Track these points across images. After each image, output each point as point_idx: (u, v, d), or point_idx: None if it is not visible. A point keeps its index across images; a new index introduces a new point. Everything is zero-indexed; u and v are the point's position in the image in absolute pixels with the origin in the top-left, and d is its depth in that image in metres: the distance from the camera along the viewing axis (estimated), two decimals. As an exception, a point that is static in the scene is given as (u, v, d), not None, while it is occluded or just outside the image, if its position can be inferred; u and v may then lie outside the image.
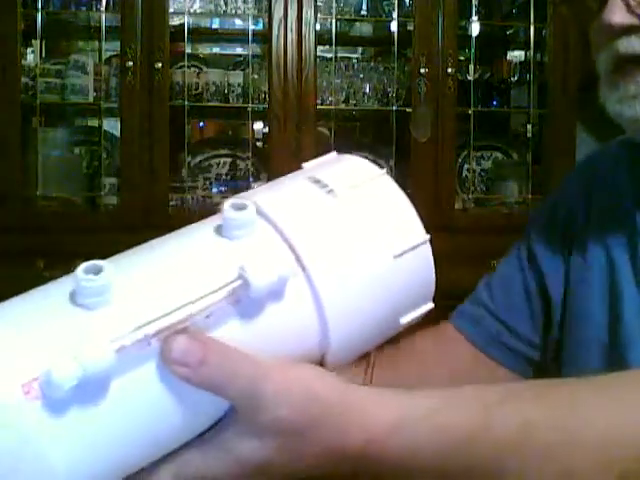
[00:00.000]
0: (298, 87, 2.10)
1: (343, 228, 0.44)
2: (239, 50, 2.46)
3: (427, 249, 0.46)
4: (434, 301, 0.48)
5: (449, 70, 2.12)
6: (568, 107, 2.18)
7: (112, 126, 2.20)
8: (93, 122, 2.31)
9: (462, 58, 2.29)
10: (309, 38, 2.09)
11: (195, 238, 0.44)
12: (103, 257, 0.40)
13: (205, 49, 2.47)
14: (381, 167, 0.48)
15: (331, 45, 2.22)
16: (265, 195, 0.46)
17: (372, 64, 2.30)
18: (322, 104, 2.19)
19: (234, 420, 0.40)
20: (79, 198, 2.20)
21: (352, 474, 0.44)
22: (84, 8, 2.18)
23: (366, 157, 0.49)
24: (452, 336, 0.79)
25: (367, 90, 2.23)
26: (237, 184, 2.24)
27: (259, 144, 2.38)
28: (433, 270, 0.47)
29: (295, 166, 0.50)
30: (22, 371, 0.35)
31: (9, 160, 2.03)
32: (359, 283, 0.43)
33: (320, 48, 2.20)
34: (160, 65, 2.04)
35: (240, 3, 2.21)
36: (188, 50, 2.25)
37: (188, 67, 2.21)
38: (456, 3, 2.14)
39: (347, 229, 0.44)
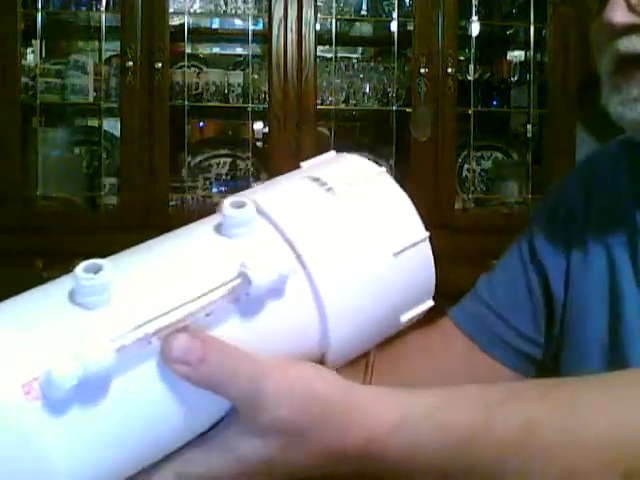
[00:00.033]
0: (298, 87, 2.10)
1: (343, 226, 0.44)
2: (239, 50, 2.46)
3: (427, 246, 0.46)
4: (434, 301, 0.48)
5: (449, 70, 2.12)
6: (568, 107, 2.18)
7: (112, 126, 2.19)
8: (93, 122, 2.31)
9: (462, 58, 2.29)
10: (309, 38, 2.09)
11: (194, 236, 0.44)
12: (103, 257, 0.40)
13: (205, 49, 2.47)
14: (380, 166, 0.48)
15: (331, 45, 2.22)
16: (264, 193, 0.45)
17: (372, 64, 2.29)
18: (322, 104, 2.19)
19: (235, 419, 0.40)
20: (79, 198, 2.20)
21: (353, 474, 0.44)
22: (84, 8, 2.18)
23: (366, 157, 0.49)
24: (452, 334, 0.78)
25: (367, 90, 2.23)
26: (237, 184, 2.23)
27: (259, 144, 2.38)
28: (433, 267, 0.47)
29: (295, 166, 0.50)
30: (22, 371, 0.35)
31: (9, 160, 2.03)
32: (359, 281, 0.43)
33: (320, 48, 2.20)
34: (160, 65, 2.04)
35: (240, 3, 2.21)
36: (188, 50, 2.25)
37: (188, 67, 2.21)
38: (456, 3, 2.14)
39: (347, 227, 0.44)
